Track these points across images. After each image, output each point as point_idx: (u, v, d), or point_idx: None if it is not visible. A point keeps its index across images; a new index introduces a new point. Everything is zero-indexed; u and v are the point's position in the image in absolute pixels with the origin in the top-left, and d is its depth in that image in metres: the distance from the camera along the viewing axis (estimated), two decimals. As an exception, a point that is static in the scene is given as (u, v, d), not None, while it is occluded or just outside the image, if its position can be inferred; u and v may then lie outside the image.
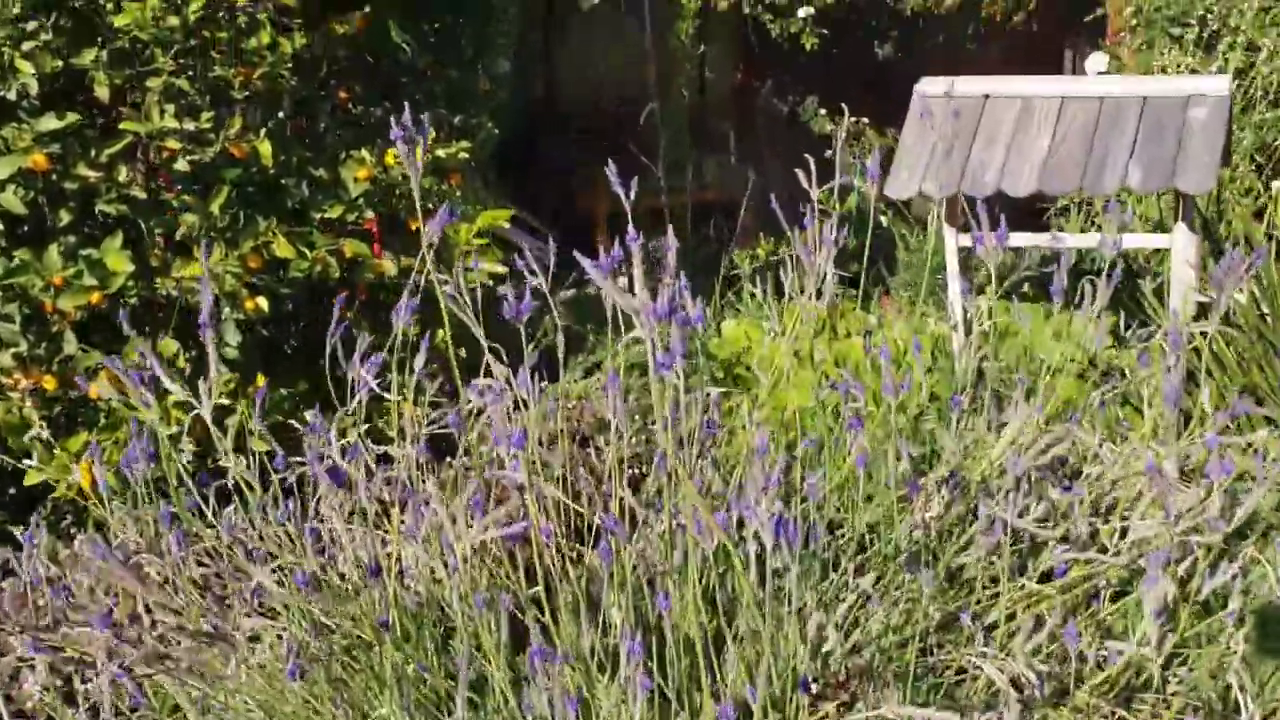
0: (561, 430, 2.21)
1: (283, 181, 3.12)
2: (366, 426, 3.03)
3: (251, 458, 2.14)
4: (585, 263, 1.21)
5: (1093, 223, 4.79)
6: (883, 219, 5.66)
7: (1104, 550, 1.78)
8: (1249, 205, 4.41)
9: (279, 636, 1.79)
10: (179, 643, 1.70)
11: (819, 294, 2.29)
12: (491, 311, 4.13)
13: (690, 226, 5.36)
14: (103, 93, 2.75)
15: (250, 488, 2.04)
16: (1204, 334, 3.36)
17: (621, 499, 1.81)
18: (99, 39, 2.82)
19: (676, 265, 1.45)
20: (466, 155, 3.28)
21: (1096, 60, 5.40)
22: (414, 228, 3.17)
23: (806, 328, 4.14)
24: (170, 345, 2.89)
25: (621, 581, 1.66)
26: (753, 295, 4.51)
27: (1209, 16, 4.92)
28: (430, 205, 3.19)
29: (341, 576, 1.85)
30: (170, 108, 2.72)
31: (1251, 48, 4.80)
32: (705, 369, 4.01)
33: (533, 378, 1.79)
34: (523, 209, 4.81)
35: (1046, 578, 1.91)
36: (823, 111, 6.42)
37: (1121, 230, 2.30)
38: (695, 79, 6.37)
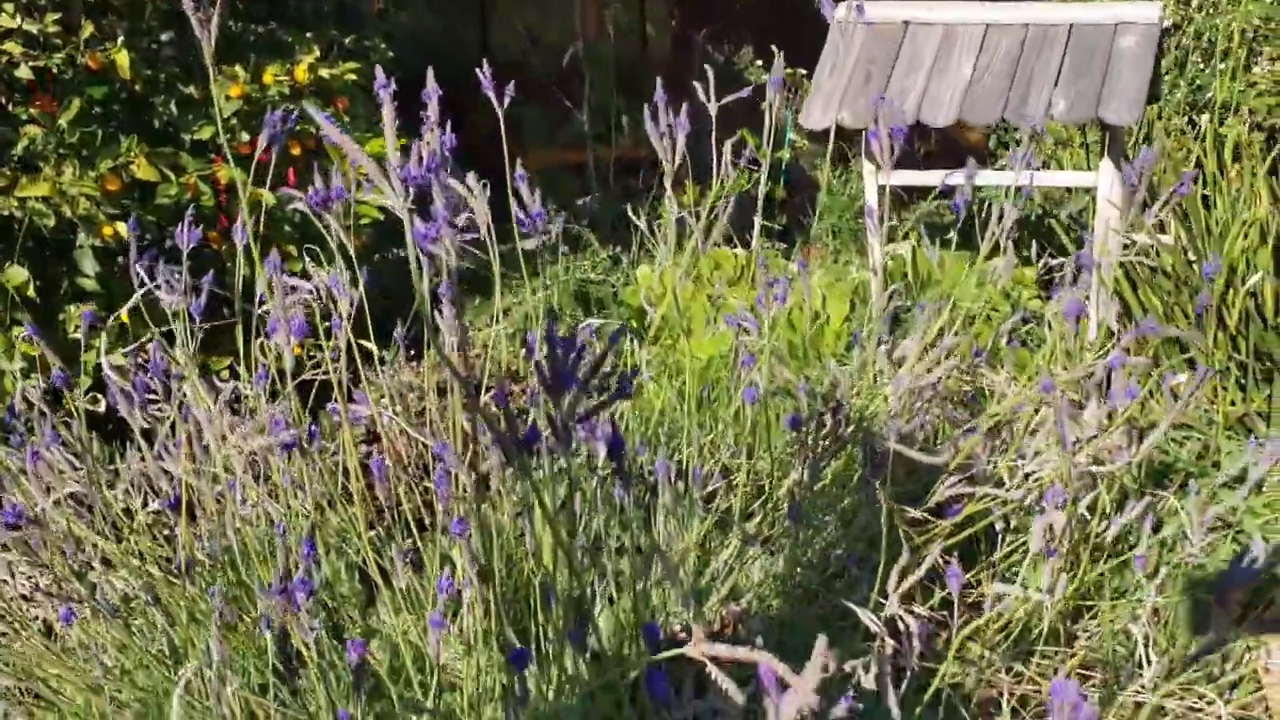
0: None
1: (150, 100, 2.87)
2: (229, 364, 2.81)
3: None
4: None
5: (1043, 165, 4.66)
6: (820, 175, 5.50)
7: (1000, 485, 1.62)
8: (1178, 147, 4.29)
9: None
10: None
11: (706, 235, 2.10)
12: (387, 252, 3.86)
13: (614, 177, 5.17)
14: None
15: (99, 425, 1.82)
16: (1133, 284, 3.24)
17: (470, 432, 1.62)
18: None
19: (440, 114, 1.24)
20: (354, 77, 3.04)
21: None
22: (295, 152, 2.93)
23: (723, 273, 3.96)
24: (18, 274, 2.65)
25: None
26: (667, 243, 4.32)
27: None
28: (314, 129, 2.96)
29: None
30: (9, 6, 2.46)
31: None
32: (616, 314, 3.82)
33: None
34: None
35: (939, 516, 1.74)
36: (759, 62, 6.25)
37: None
38: (635, 29, 6.17)
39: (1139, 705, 1.73)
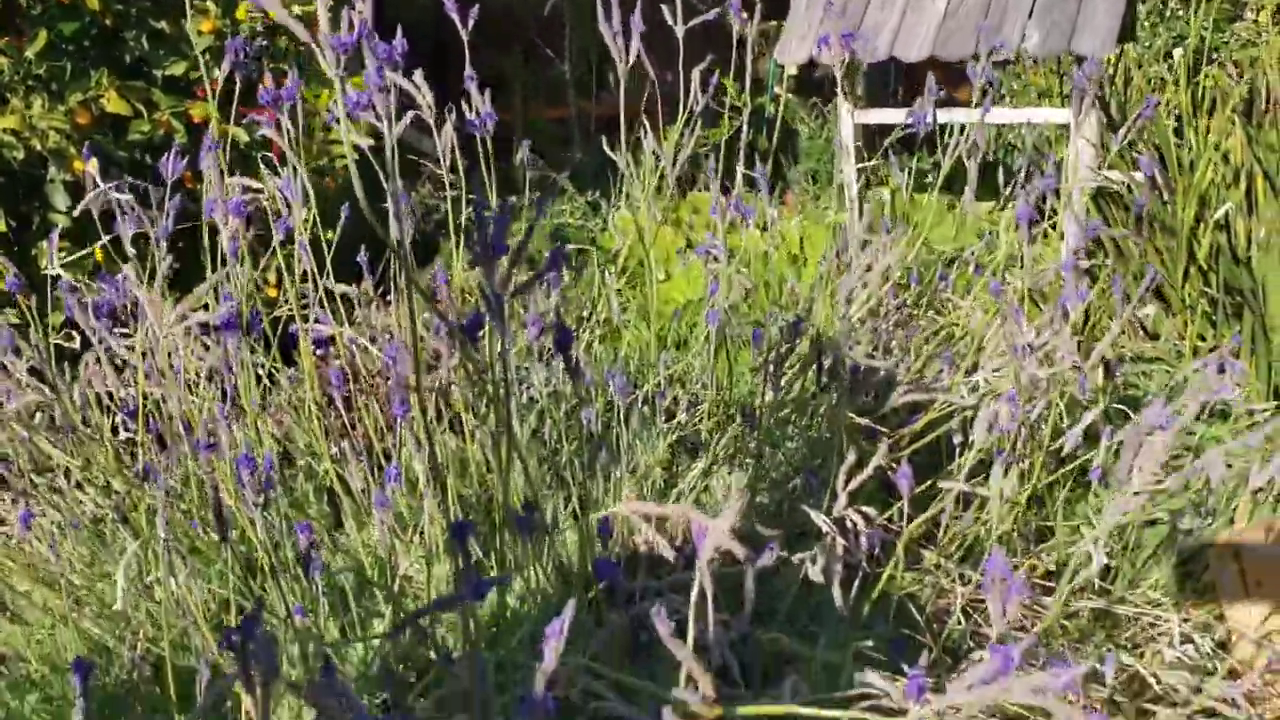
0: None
1: (121, 34, 2.85)
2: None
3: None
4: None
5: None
6: (803, 127, 5.49)
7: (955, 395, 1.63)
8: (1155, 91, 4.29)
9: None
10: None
11: (674, 161, 2.09)
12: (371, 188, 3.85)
13: (595, 131, 5.16)
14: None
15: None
16: (1106, 222, 3.24)
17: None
18: None
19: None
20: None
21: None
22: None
23: (702, 218, 3.96)
24: (-12, 207, 2.65)
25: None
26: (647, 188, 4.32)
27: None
28: (286, 67, 2.95)
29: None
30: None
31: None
32: (594, 259, 3.82)
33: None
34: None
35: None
36: (745, 15, 6.20)
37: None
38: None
39: (1094, 612, 1.75)
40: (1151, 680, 1.54)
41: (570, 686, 1.12)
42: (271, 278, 3.02)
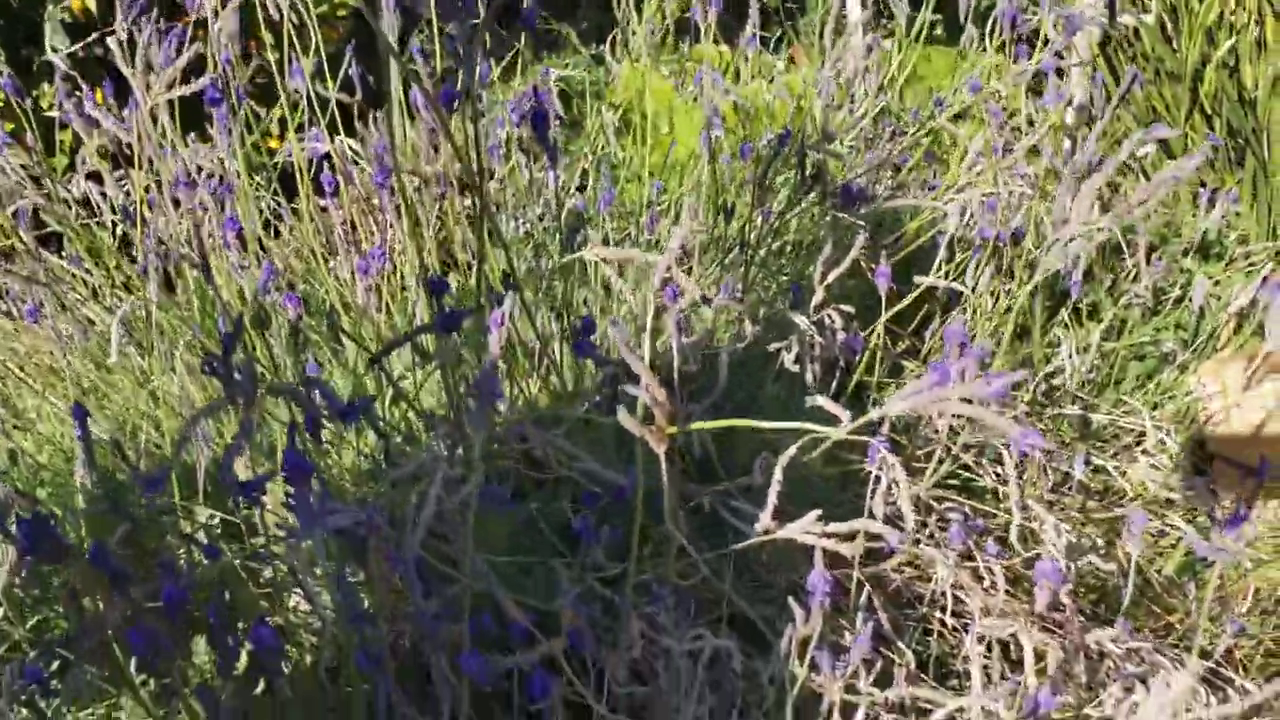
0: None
1: None
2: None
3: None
4: None
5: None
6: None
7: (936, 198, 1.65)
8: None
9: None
10: None
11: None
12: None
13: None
14: None
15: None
16: (1112, 69, 3.20)
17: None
18: None
19: None
20: None
21: None
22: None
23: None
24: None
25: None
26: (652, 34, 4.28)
27: None
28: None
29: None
30: None
31: None
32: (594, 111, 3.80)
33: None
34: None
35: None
36: None
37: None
38: None
39: (1080, 418, 1.79)
40: (1119, 478, 1.59)
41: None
42: (274, 129, 3.03)
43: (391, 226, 1.37)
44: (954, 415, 1.44)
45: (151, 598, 0.82)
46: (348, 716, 1.09)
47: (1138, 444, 1.82)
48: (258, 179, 2.30)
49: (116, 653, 1.02)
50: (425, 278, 0.95)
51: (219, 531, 1.45)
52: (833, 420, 0.90)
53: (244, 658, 0.94)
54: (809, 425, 0.81)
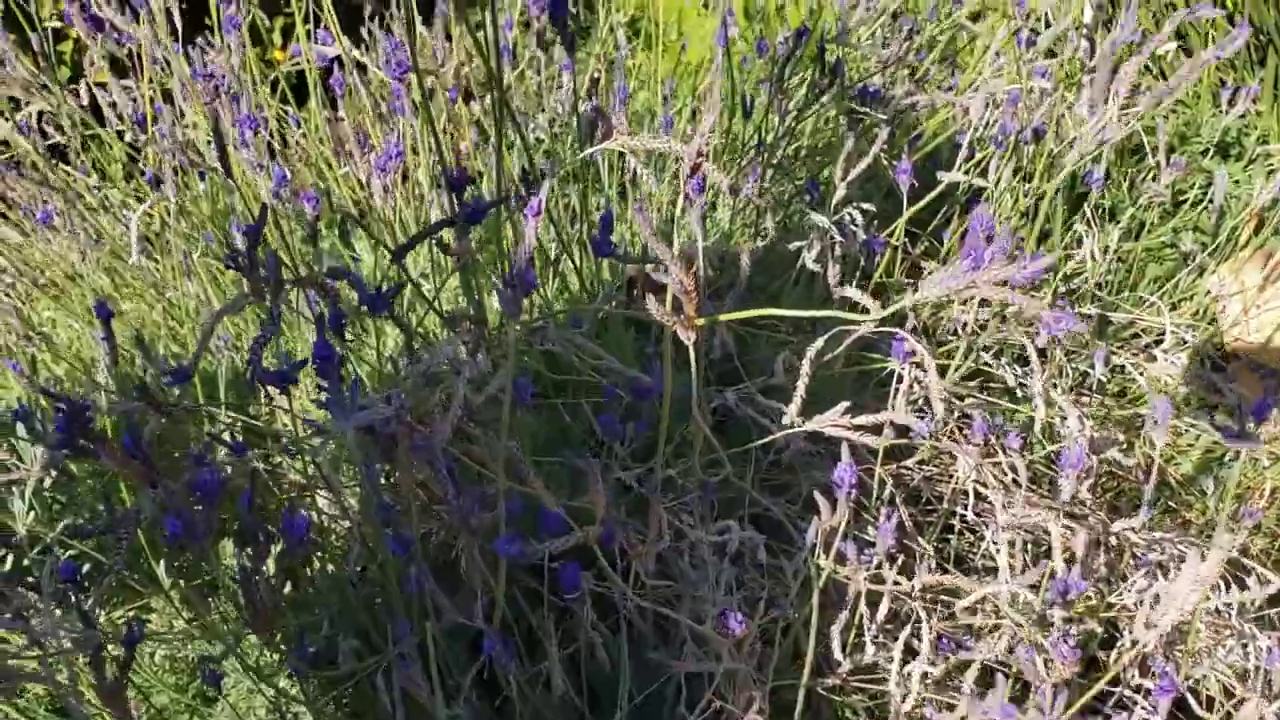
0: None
1: None
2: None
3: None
4: None
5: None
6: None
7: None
8: None
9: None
10: None
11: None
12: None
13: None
14: None
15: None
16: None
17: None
18: None
19: None
20: None
21: None
22: None
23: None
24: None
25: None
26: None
27: None
28: None
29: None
30: None
31: None
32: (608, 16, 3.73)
33: None
34: None
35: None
36: None
37: None
38: None
39: (1099, 316, 1.78)
40: (1138, 376, 1.59)
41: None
42: (278, 39, 2.98)
43: (410, 127, 1.35)
44: (976, 311, 1.43)
45: (183, 492, 0.82)
46: (376, 611, 1.10)
47: (1157, 343, 1.81)
48: (264, 89, 2.27)
49: (147, 553, 1.03)
50: (445, 174, 0.94)
51: (240, 438, 1.45)
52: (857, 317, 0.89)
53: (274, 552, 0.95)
54: (839, 313, 0.80)
